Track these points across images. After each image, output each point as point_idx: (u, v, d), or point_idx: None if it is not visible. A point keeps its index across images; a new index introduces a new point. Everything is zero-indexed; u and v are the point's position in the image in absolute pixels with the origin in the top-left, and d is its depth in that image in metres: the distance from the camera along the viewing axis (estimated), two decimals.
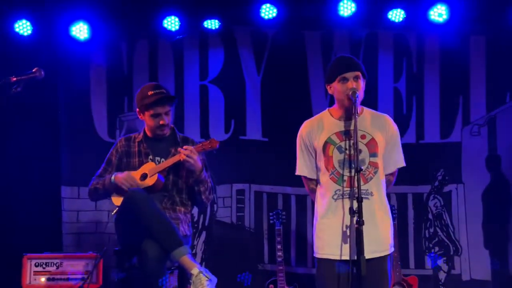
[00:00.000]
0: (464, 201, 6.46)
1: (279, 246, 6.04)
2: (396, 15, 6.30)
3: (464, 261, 6.40)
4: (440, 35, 6.44)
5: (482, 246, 6.40)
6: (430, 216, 6.49)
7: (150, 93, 4.59)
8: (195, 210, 6.24)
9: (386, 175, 4.07)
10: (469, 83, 6.49)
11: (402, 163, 4.14)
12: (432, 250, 6.45)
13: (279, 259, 6.01)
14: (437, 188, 6.48)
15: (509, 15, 6.29)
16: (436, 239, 6.47)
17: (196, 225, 6.44)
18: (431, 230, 6.48)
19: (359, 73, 3.98)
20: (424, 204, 6.49)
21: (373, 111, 4.18)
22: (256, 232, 6.49)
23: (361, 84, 3.98)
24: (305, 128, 4.12)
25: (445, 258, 6.42)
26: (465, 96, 6.50)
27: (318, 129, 4.06)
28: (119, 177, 4.51)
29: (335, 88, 4.00)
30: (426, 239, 6.47)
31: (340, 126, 4.01)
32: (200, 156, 4.63)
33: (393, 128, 4.10)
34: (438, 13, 6.25)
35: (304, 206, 6.43)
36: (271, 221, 6.23)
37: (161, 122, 4.58)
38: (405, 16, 6.30)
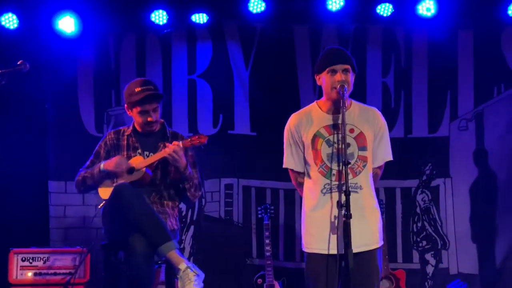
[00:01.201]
0: (451, 195, 6.48)
1: (267, 241, 6.04)
2: (384, 9, 6.30)
3: (451, 255, 6.43)
4: (428, 30, 6.45)
5: (469, 240, 6.43)
6: (418, 210, 6.50)
7: (137, 89, 4.56)
8: (183, 205, 6.23)
9: (373, 168, 4.06)
10: (457, 78, 6.51)
11: (390, 157, 4.12)
12: (420, 244, 6.47)
13: (268, 254, 6.01)
14: (425, 182, 6.50)
15: (496, 10, 6.31)
16: (424, 233, 6.49)
17: (184, 220, 6.43)
18: (419, 224, 6.50)
19: (348, 66, 3.95)
20: (412, 198, 6.50)
21: (362, 104, 4.15)
22: (245, 226, 6.49)
23: (350, 77, 3.96)
24: (293, 121, 4.10)
25: (433, 252, 6.44)
26: (453, 91, 6.51)
27: (306, 122, 4.03)
28: (109, 162, 4.48)
29: (324, 79, 3.98)
30: (414, 233, 6.49)
31: (328, 119, 3.99)
32: (189, 152, 4.62)
33: (382, 121, 4.08)
34: (426, 8, 6.25)
35: (293, 201, 6.43)
36: (259, 216, 6.23)
37: (149, 119, 4.57)
38: (393, 10, 6.30)
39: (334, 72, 3.93)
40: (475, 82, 6.49)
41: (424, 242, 6.48)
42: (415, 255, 6.46)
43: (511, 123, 6.43)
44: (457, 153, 6.49)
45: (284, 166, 4.15)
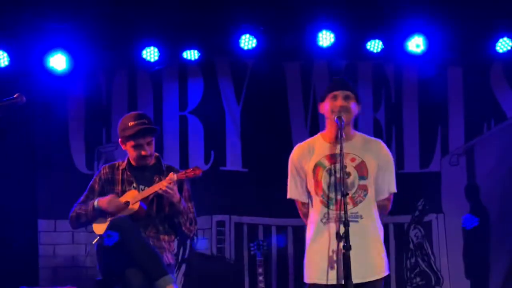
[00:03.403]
0: (444, 230, 6.48)
1: (260, 278, 5.96)
2: (374, 45, 6.35)
3: None
4: (418, 66, 6.52)
5: (463, 276, 6.41)
6: (411, 246, 6.48)
7: (131, 123, 4.54)
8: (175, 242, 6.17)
9: (381, 201, 4.03)
10: (447, 113, 6.56)
11: (394, 189, 4.09)
12: (414, 280, 6.42)
13: None
14: (418, 218, 6.49)
15: (485, 46, 6.38)
16: (418, 269, 6.45)
17: (175, 258, 6.34)
18: (412, 260, 6.46)
19: (349, 93, 3.96)
20: (405, 234, 6.49)
21: (366, 136, 4.15)
22: (237, 263, 6.42)
23: (352, 105, 3.96)
24: (297, 152, 4.08)
25: None
26: (444, 126, 6.55)
27: (309, 153, 4.02)
28: (103, 200, 4.45)
29: (325, 106, 3.99)
30: (407, 269, 6.45)
31: (330, 149, 3.97)
32: (184, 186, 4.59)
33: (386, 152, 4.07)
34: (416, 44, 6.31)
35: (285, 237, 6.38)
36: (252, 252, 6.15)
37: (143, 153, 4.54)
38: (383, 47, 6.36)
39: (335, 97, 3.95)
40: (465, 118, 6.54)
41: (418, 279, 6.44)
42: None
43: (502, 158, 6.46)
44: (449, 188, 6.51)
45: (288, 196, 4.10)
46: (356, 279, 3.65)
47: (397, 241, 6.46)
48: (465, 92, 6.55)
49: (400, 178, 6.28)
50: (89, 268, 6.13)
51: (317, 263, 3.87)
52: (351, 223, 3.68)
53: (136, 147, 4.53)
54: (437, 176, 6.51)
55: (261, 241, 6.16)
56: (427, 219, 6.48)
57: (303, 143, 4.14)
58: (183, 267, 6.40)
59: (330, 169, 3.91)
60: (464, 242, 6.43)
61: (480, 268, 6.41)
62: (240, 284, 6.39)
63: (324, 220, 3.89)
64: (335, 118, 3.87)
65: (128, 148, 4.58)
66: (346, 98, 3.94)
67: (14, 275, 5.87)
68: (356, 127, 6.35)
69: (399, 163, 6.50)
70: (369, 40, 6.34)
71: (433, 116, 6.56)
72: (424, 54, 6.35)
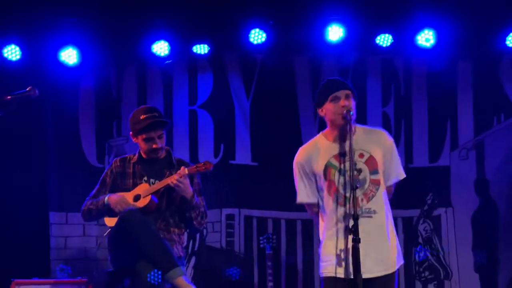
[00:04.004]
0: (453, 225, 6.47)
1: (269, 271, 5.99)
2: (384, 40, 6.34)
3: (454, 285, 6.39)
4: (428, 60, 6.49)
5: (472, 270, 6.40)
6: (420, 240, 6.48)
7: (142, 117, 4.58)
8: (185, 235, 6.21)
9: (386, 187, 4.05)
10: (456, 107, 6.54)
11: (403, 174, 4.12)
12: (422, 274, 6.44)
13: (270, 284, 5.96)
14: (427, 212, 6.49)
15: (495, 40, 6.37)
16: (426, 263, 6.46)
17: (185, 250, 6.39)
18: (421, 254, 6.47)
19: (349, 92, 3.98)
20: (414, 228, 6.49)
21: (365, 126, 4.15)
22: (246, 257, 6.45)
23: (352, 103, 3.98)
24: (302, 155, 4.07)
25: (435, 282, 6.41)
26: (453, 120, 6.54)
27: (316, 154, 4.01)
28: (113, 198, 4.49)
29: (327, 109, 3.98)
30: (416, 264, 6.46)
31: (336, 148, 3.97)
32: (194, 180, 4.62)
33: (389, 140, 4.08)
34: (426, 38, 6.29)
35: (294, 231, 6.41)
36: (261, 246, 6.17)
37: (153, 146, 4.58)
38: (392, 41, 6.33)
39: (337, 98, 3.94)
40: (474, 112, 6.52)
41: (427, 273, 6.45)
42: (418, 286, 6.43)
43: (511, 152, 6.45)
44: (458, 182, 6.49)
45: (298, 201, 4.10)
46: (372, 273, 3.71)
47: (405, 235, 6.46)
48: (475, 86, 6.53)
49: (409, 172, 6.36)
50: (100, 261, 6.17)
51: (332, 258, 3.88)
52: (365, 219, 3.73)
53: (147, 140, 4.57)
54: (446, 170, 6.50)
55: (270, 235, 6.18)
56: (436, 213, 6.48)
57: (306, 145, 4.13)
58: (193, 259, 6.44)
59: (340, 169, 3.91)
60: (473, 236, 6.42)
61: (489, 262, 6.40)
62: (249, 277, 6.41)
63: (341, 219, 3.89)
64: (344, 113, 3.87)
65: (140, 141, 4.62)
66: (347, 97, 3.96)
67: (26, 267, 5.92)
68: (364, 121, 6.47)
69: (408, 157, 6.51)
70: (378, 34, 6.32)
71: (443, 110, 6.55)
72: (434, 48, 6.33)
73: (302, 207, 4.23)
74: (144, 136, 4.56)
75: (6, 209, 6.16)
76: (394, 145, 4.10)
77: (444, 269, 6.43)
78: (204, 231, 6.43)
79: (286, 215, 6.37)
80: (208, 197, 5.99)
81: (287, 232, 6.47)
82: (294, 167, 4.10)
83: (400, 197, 6.08)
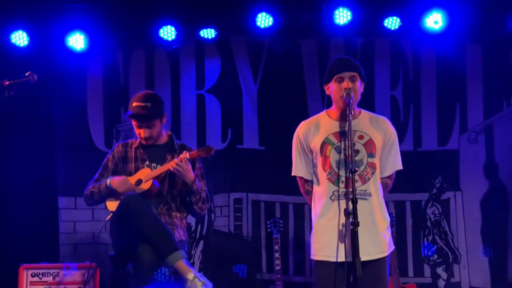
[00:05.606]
0: (462, 208, 6.45)
1: (276, 255, 6.01)
2: (392, 22, 6.29)
3: (463, 269, 6.38)
4: (436, 43, 6.44)
5: (481, 253, 6.38)
6: (428, 223, 6.47)
7: (134, 104, 4.60)
8: (193, 220, 6.23)
9: (383, 178, 4.04)
10: (466, 91, 6.50)
11: (400, 166, 4.10)
12: (431, 258, 6.42)
13: (277, 268, 5.98)
14: (435, 195, 6.46)
15: (505, 23, 6.29)
16: (435, 247, 6.44)
17: (193, 235, 6.42)
18: (430, 237, 6.45)
19: (355, 74, 3.97)
20: (423, 211, 6.47)
21: (371, 113, 4.15)
22: (254, 241, 6.47)
23: (358, 85, 3.96)
24: (302, 129, 4.10)
25: (444, 266, 6.40)
26: (462, 103, 6.49)
27: (315, 130, 4.03)
28: (115, 180, 4.51)
29: (331, 88, 3.99)
30: (425, 247, 6.44)
31: (337, 126, 3.99)
32: (196, 164, 4.62)
33: (391, 130, 4.07)
34: (434, 21, 6.23)
35: (302, 214, 6.41)
36: (268, 230, 6.20)
37: (141, 135, 4.60)
38: (400, 23, 6.29)
39: (341, 79, 3.95)
40: (484, 95, 6.48)
41: (436, 256, 6.43)
42: (427, 269, 6.42)
43: None
44: (467, 166, 6.46)
45: (293, 174, 4.14)
46: (364, 256, 3.68)
47: (414, 219, 6.44)
48: (484, 69, 6.48)
49: (418, 155, 6.46)
50: (108, 245, 6.20)
51: (325, 240, 3.91)
52: (360, 201, 3.72)
53: (136, 127, 4.61)
54: (455, 154, 6.47)
55: (278, 219, 6.20)
56: (444, 197, 6.45)
57: (308, 120, 4.15)
58: (201, 244, 6.46)
59: (338, 146, 3.93)
60: (482, 220, 6.39)
61: (498, 245, 6.37)
62: (257, 261, 6.43)
63: (332, 198, 3.91)
64: (344, 96, 3.87)
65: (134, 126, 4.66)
66: (352, 79, 3.94)
67: (35, 251, 5.95)
68: (372, 105, 6.44)
69: (416, 141, 6.48)
70: (386, 17, 6.28)
71: (452, 93, 6.50)
72: (443, 31, 6.28)
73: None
74: (133, 122, 4.60)
75: (15, 194, 6.20)
76: (395, 135, 4.09)
77: (453, 253, 6.41)
78: (212, 215, 6.45)
79: (294, 199, 6.37)
80: (216, 181, 6.07)
81: (295, 216, 6.48)
82: (293, 140, 4.14)
83: (408, 180, 6.20)
